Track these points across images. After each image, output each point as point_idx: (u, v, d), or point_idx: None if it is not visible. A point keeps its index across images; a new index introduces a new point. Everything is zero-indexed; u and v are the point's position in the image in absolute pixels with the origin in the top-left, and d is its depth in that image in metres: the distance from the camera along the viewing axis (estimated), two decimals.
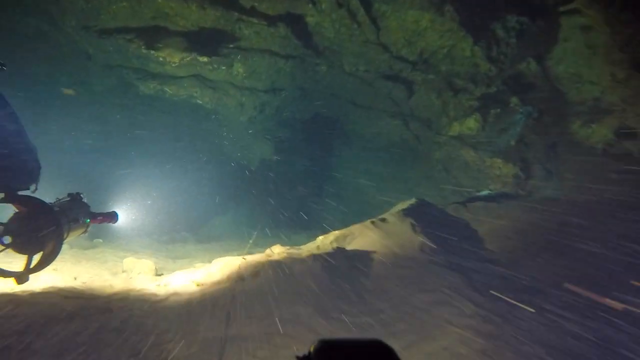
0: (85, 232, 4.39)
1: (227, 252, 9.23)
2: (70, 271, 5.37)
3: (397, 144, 11.25)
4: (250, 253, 7.70)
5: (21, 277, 3.32)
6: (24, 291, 3.76)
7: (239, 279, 4.23)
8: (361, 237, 5.52)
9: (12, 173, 3.11)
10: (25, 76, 10.50)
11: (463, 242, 5.67)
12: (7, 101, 3.04)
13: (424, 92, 9.76)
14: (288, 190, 14.23)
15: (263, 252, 7.91)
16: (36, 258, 3.48)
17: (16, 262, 3.54)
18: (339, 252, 5.00)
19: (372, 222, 6.17)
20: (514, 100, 8.87)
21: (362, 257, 4.84)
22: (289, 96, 11.50)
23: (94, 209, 4.73)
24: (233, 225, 13.38)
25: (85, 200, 4.33)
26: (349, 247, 5.31)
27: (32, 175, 3.30)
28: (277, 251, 5.57)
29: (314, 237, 11.44)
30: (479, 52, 9.02)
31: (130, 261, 5.09)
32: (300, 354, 0.95)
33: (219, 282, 4.24)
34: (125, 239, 9.22)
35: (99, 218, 4.30)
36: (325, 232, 12.11)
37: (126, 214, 10.03)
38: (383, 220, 6.20)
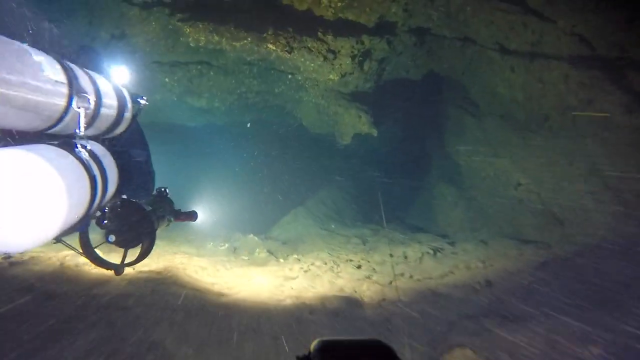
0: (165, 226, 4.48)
1: (313, 278, 5.98)
2: None
3: (570, 116, 7.06)
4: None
5: (119, 269, 3.54)
6: None
7: None
8: None
9: (134, 189, 3.57)
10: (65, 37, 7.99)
11: None
12: (142, 129, 3.53)
13: None
14: (387, 177, 10.64)
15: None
16: (131, 252, 3.53)
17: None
18: None
19: None
20: None
21: None
22: (399, 42, 7.74)
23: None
24: (315, 220, 10.13)
25: (169, 196, 4.20)
26: None
27: (147, 194, 3.81)
28: None
29: (438, 252, 7.60)
30: None
31: None
32: (300, 354, 0.91)
33: None
34: (172, 246, 6.36)
35: (181, 217, 4.13)
36: (455, 244, 8.03)
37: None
38: None
